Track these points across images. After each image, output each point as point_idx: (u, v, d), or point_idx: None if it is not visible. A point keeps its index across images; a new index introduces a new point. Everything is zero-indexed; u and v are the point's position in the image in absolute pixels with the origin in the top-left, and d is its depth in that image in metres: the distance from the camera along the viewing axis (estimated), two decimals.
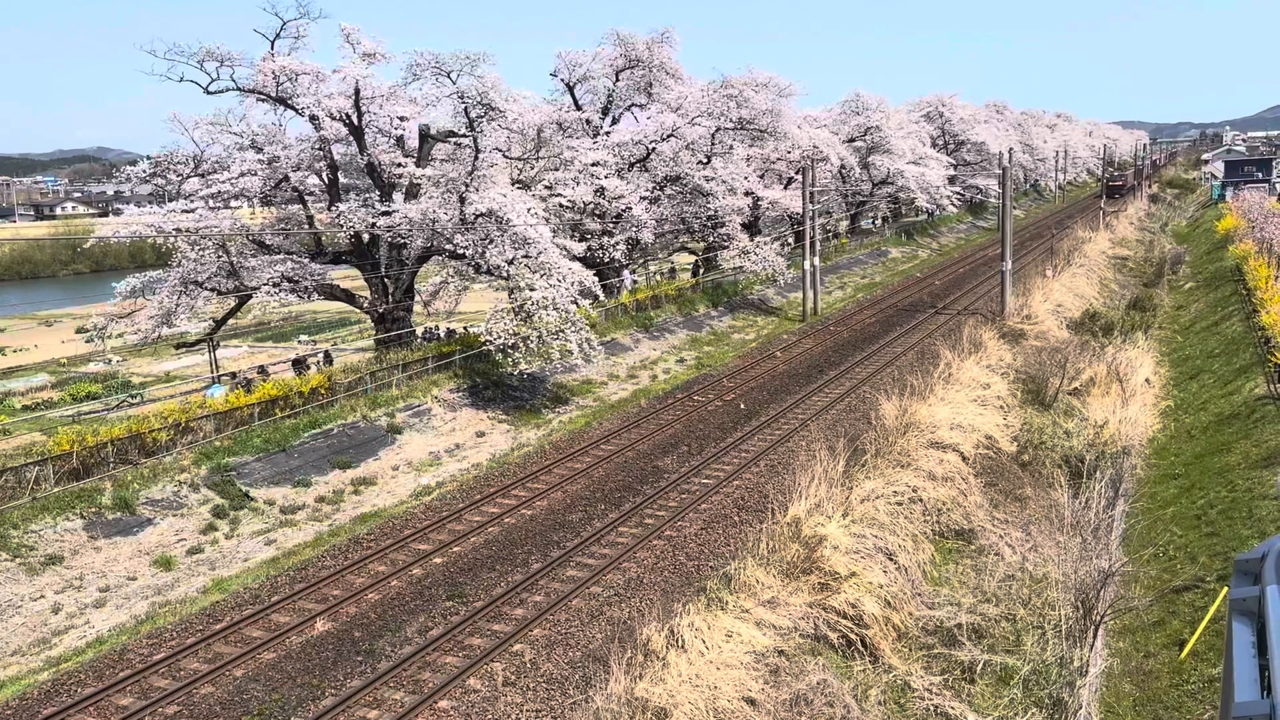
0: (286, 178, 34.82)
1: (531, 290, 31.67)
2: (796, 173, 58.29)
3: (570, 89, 49.22)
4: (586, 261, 38.47)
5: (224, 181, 33.86)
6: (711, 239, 53.46)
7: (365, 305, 36.24)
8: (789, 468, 25.98)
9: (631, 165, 47.19)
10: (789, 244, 60.92)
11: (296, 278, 33.11)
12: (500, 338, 31.52)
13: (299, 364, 35.24)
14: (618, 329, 42.67)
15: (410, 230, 33.18)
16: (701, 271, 54.78)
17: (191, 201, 32.97)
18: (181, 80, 31.67)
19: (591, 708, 13.78)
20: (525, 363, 31.92)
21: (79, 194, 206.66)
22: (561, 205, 40.27)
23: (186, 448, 25.43)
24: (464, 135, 34.24)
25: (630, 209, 44.09)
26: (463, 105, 33.67)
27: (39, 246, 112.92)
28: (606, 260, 44.20)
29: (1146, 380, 33.27)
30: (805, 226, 51.70)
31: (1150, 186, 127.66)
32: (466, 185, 32.67)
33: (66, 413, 35.65)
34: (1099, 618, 16.54)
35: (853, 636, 16.34)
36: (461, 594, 19.94)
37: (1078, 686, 15.07)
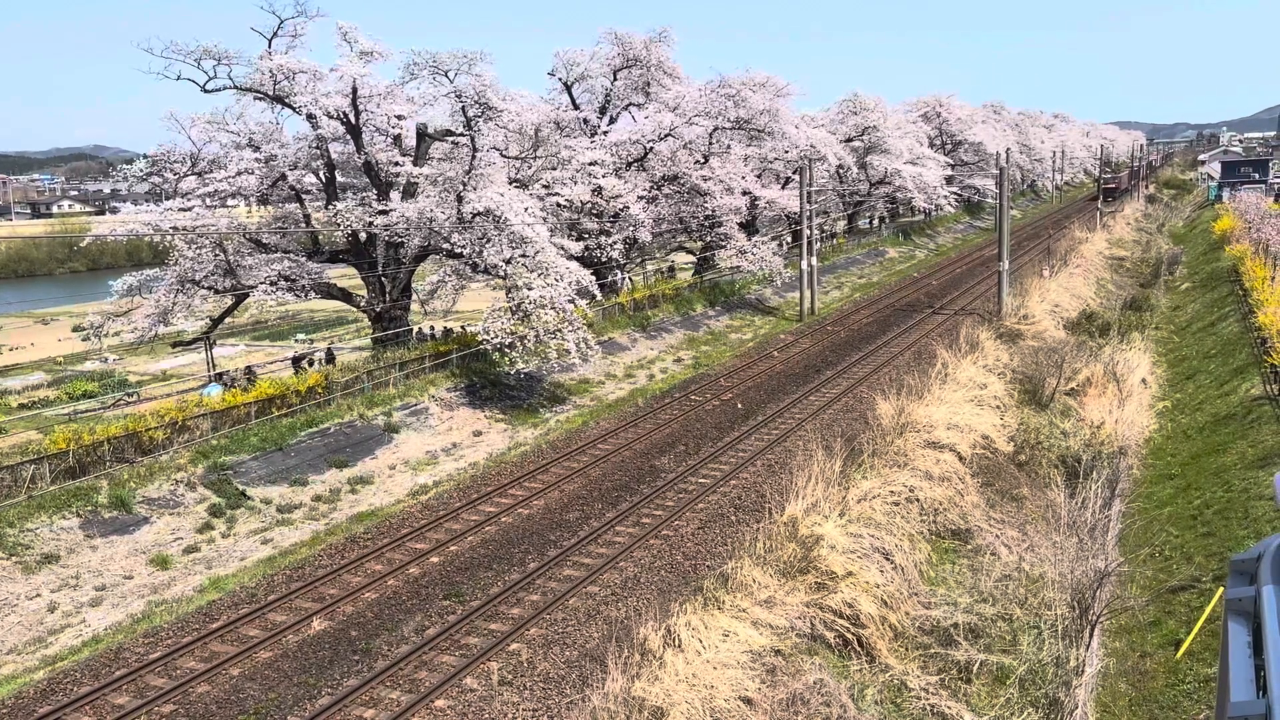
0: (284, 176, 34.78)
1: (529, 289, 31.66)
2: (794, 173, 58.29)
3: (568, 88, 49.22)
4: (584, 261, 38.47)
5: (221, 180, 33.83)
6: (709, 238, 53.46)
7: (362, 304, 36.22)
8: (786, 467, 25.99)
9: (629, 165, 47.18)
10: (786, 244, 60.93)
11: (293, 276, 33.07)
12: (498, 337, 31.51)
13: (299, 362, 35.23)
14: (615, 328, 42.67)
15: (407, 229, 33.16)
16: (707, 272, 54.84)
17: (188, 200, 32.95)
18: (179, 78, 31.66)
19: (588, 707, 13.78)
20: (522, 362, 31.91)
21: (75, 192, 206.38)
22: (559, 204, 40.26)
23: (183, 446, 25.40)
24: (461, 134, 34.22)
25: (628, 208, 44.08)
26: (460, 104, 33.65)
27: (35, 245, 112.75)
28: (604, 260, 44.20)
29: (1143, 381, 33.32)
30: (802, 226, 51.72)
31: (1147, 187, 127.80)
32: (464, 184, 32.65)
33: (63, 411, 35.61)
34: (1095, 617, 16.57)
35: (849, 636, 16.36)
36: (458, 593, 19.94)
37: (1074, 686, 15.10)
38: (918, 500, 21.34)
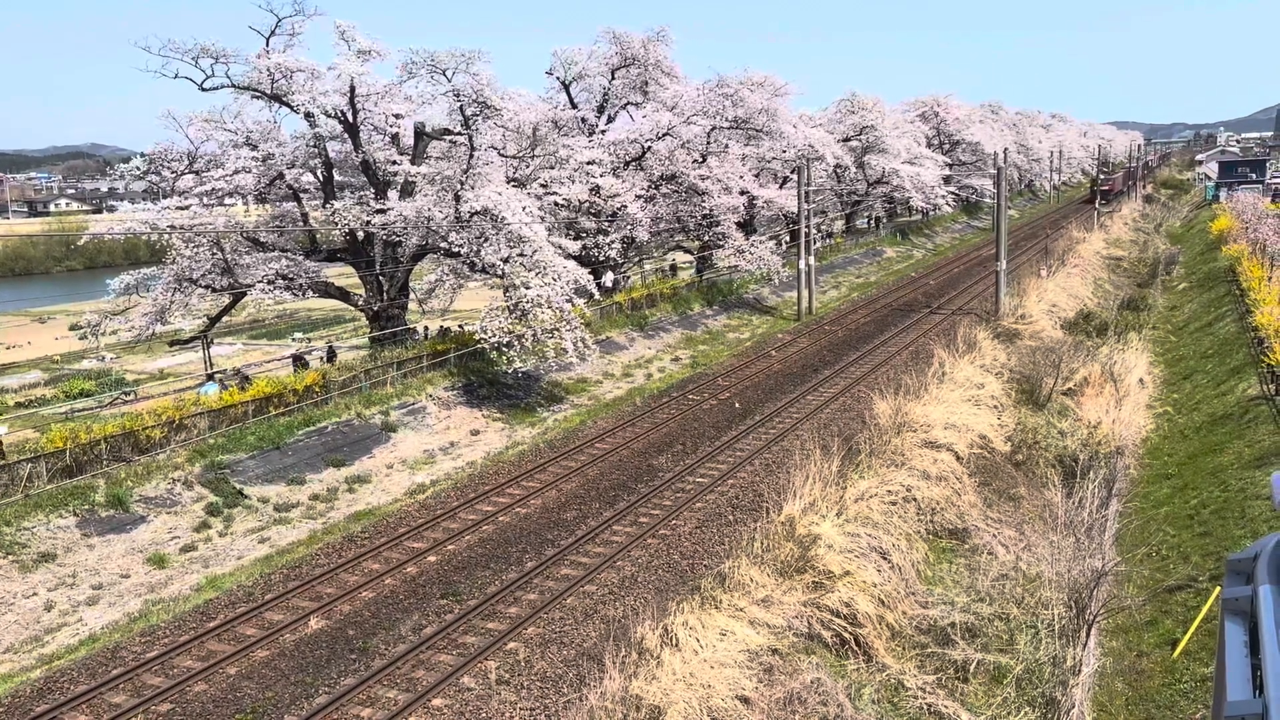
0: (281, 175, 34.74)
1: (527, 288, 31.65)
2: (792, 172, 58.31)
3: (566, 87, 49.20)
4: (582, 260, 38.46)
5: (218, 179, 33.78)
6: (707, 238, 53.46)
7: (360, 303, 36.19)
8: (783, 467, 26.01)
9: (627, 164, 47.17)
10: (784, 243, 60.93)
11: (291, 275, 33.04)
12: (495, 336, 31.50)
13: (299, 360, 35.26)
14: (613, 327, 42.66)
15: (405, 228, 33.14)
16: (705, 271, 54.87)
17: (186, 199, 32.91)
18: (176, 77, 31.61)
19: (586, 706, 13.78)
20: (520, 361, 31.90)
21: (73, 190, 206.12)
22: (557, 204, 40.23)
23: (180, 445, 25.38)
24: (459, 133, 34.20)
25: (625, 207, 44.08)
26: (458, 103, 33.63)
27: (32, 243, 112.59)
28: (602, 259, 44.20)
29: (1140, 380, 33.36)
30: (800, 226, 51.74)
31: (1145, 187, 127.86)
32: (461, 183, 32.62)
33: (60, 410, 35.55)
34: (1092, 617, 16.58)
35: (847, 635, 16.37)
36: (456, 592, 19.93)
37: (1071, 685, 15.11)
38: (915, 500, 21.36)
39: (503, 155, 36.73)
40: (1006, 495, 23.88)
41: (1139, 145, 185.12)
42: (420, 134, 35.16)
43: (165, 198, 33.39)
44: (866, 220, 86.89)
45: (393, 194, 34.58)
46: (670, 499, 24.98)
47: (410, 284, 37.44)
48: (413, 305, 38.25)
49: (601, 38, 49.08)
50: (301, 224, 35.83)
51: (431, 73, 34.03)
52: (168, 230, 31.12)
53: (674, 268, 60.28)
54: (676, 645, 14.67)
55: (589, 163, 41.70)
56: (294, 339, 55.23)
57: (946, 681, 15.61)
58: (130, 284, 33.04)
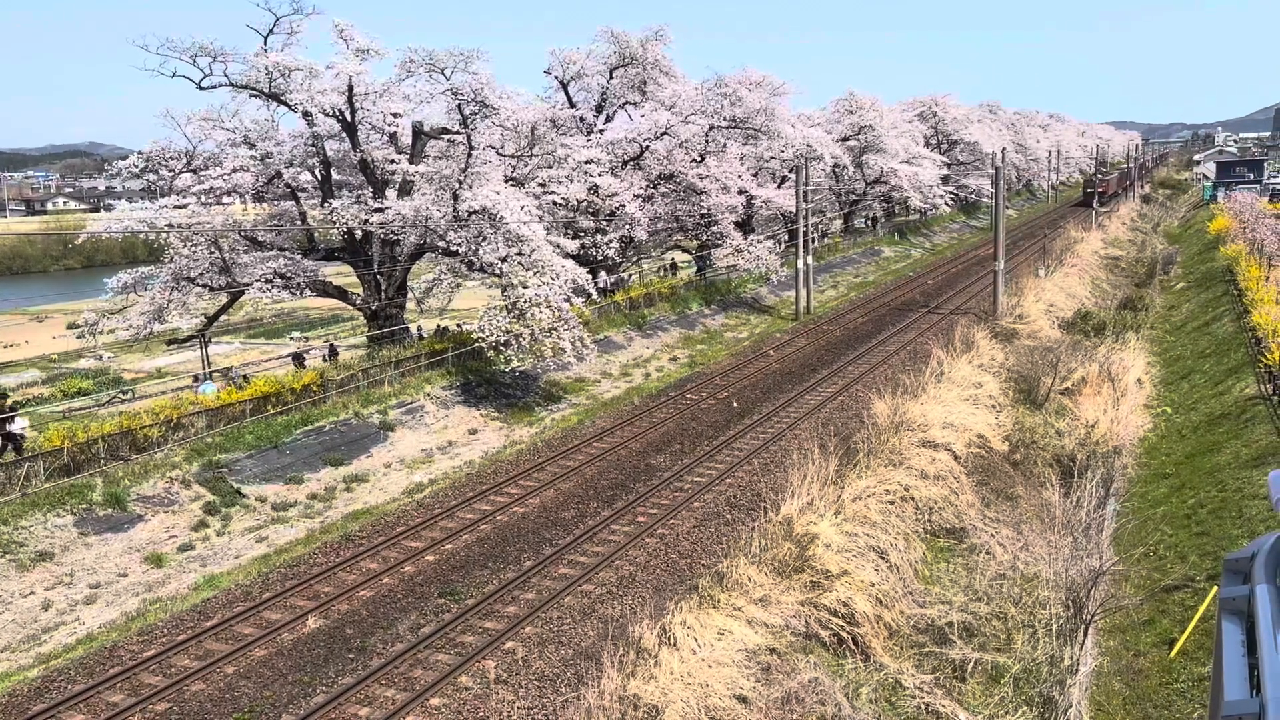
0: (279, 174, 34.72)
1: (525, 288, 31.64)
2: (790, 171, 58.31)
3: (564, 86, 49.19)
4: (580, 259, 38.45)
5: (216, 177, 33.74)
6: (705, 237, 53.47)
7: (358, 302, 36.17)
8: (781, 466, 26.03)
9: (625, 163, 47.17)
10: (782, 243, 60.94)
11: (289, 274, 33.01)
12: (493, 335, 31.50)
13: (298, 359, 35.26)
14: (611, 327, 42.66)
15: (403, 227, 33.12)
16: (706, 270, 54.89)
17: (184, 197, 32.87)
18: (174, 76, 31.57)
19: (583, 705, 13.78)
20: (518, 360, 31.89)
21: (70, 189, 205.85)
22: (555, 203, 40.22)
23: (178, 444, 25.36)
24: (457, 132, 34.18)
25: (624, 207, 44.07)
26: (456, 102, 33.62)
27: (30, 241, 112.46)
28: (600, 258, 44.19)
29: (1138, 380, 33.38)
30: (798, 225, 51.75)
31: (1143, 187, 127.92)
32: (460, 182, 32.61)
33: (57, 409, 35.51)
34: (1089, 616, 16.60)
35: (844, 635, 16.38)
36: (454, 591, 19.93)
37: (1068, 685, 15.13)
38: (913, 499, 21.37)
39: (501, 154, 36.72)
40: (1004, 495, 23.90)
41: (1137, 145, 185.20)
42: (418, 133, 35.14)
43: (163, 196, 33.36)
44: (864, 220, 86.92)
45: (391, 193, 34.56)
46: (668, 498, 24.98)
47: (408, 283, 37.43)
48: (411, 304, 38.22)
49: (600, 37, 49.08)
50: (299, 223, 35.80)
51: (430, 72, 34.03)
52: (165, 229, 31.09)
53: (674, 266, 60.29)
54: (674, 644, 14.67)
55: (587, 162, 41.69)
56: (292, 338, 55.20)
57: (944, 681, 15.62)
58: (128, 283, 33.00)
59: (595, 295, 37.03)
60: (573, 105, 49.10)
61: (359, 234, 34.66)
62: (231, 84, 32.53)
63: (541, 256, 32.27)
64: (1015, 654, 16.00)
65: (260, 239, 34.39)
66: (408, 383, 32.08)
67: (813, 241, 55.32)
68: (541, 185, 38.82)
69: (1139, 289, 53.02)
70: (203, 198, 33.33)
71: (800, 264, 51.56)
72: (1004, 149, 77.52)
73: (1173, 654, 16.52)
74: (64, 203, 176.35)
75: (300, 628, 18.55)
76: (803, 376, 38.22)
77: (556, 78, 48.96)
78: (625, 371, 39.33)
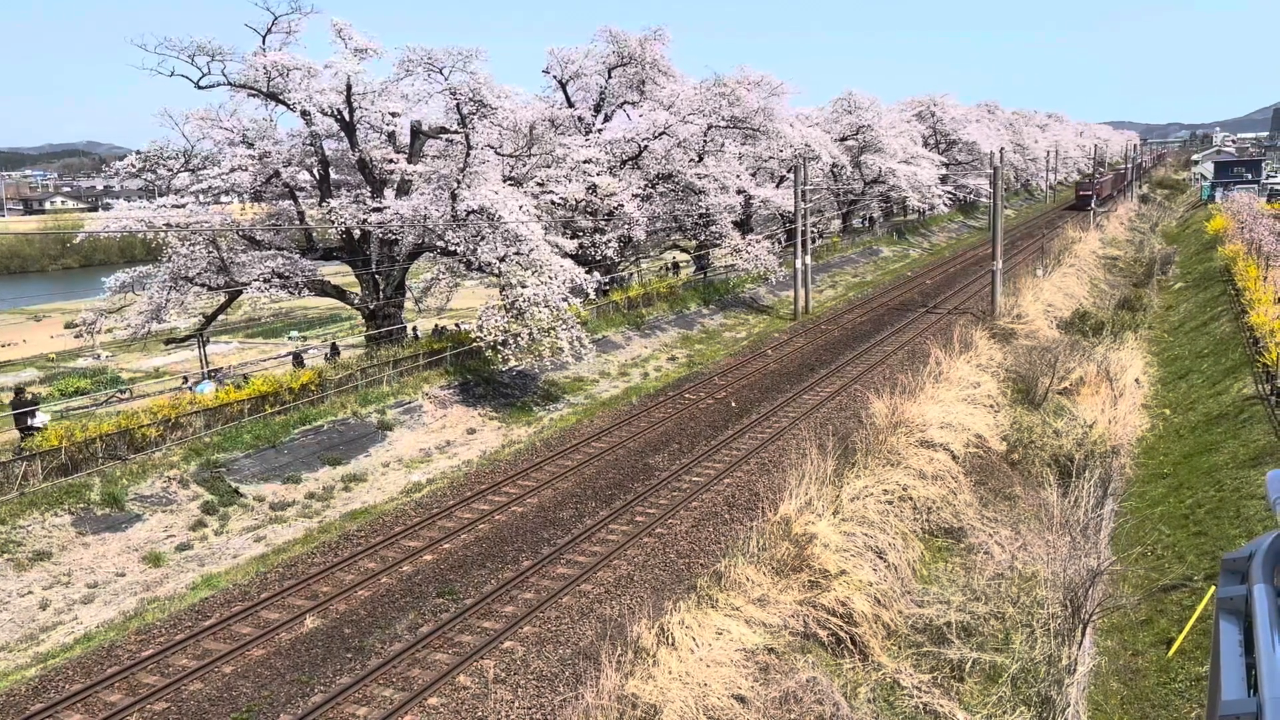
0: (277, 173, 34.69)
1: (523, 287, 31.64)
2: (788, 171, 58.32)
3: (562, 86, 49.18)
4: (579, 259, 38.44)
5: (214, 177, 33.71)
6: (703, 237, 53.48)
7: (356, 302, 36.16)
8: (780, 466, 26.04)
9: (624, 163, 47.17)
10: (781, 242, 60.97)
11: (287, 274, 32.99)
12: (491, 334, 31.49)
13: (298, 359, 35.25)
14: (609, 326, 42.66)
15: (401, 227, 33.10)
16: (707, 269, 54.88)
17: (182, 197, 32.82)
18: (172, 75, 31.54)
19: (582, 705, 13.78)
20: (516, 359, 31.90)
21: (68, 188, 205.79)
22: (553, 202, 40.21)
23: (176, 444, 25.34)
24: (456, 132, 34.16)
25: (622, 206, 44.07)
26: (454, 101, 33.59)
27: (27, 241, 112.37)
28: (598, 258, 44.19)
29: (1136, 380, 33.41)
30: (797, 225, 51.76)
31: (1141, 187, 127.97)
32: (458, 182, 32.60)
33: (55, 408, 35.48)
34: (1087, 616, 16.61)
35: (842, 634, 16.39)
36: (452, 591, 19.92)
37: (1066, 684, 15.14)
38: (911, 499, 21.38)
39: (499, 154, 36.69)
40: (1002, 494, 23.91)
41: (1135, 145, 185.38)
42: (417, 132, 35.12)
43: (161, 196, 33.30)
44: (862, 220, 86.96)
45: (389, 192, 34.54)
46: (666, 498, 24.99)
47: (407, 282, 37.41)
48: (409, 304, 38.20)
49: (598, 37, 49.09)
50: (298, 222, 35.78)
51: (428, 71, 34.01)
52: (163, 228, 31.04)
53: (675, 265, 60.28)
54: (673, 644, 14.67)
55: (586, 161, 41.68)
56: (290, 337, 55.22)
57: (942, 680, 15.64)
58: (126, 282, 32.96)
59: (593, 295, 37.01)
60: (571, 105, 49.10)
61: (357, 233, 34.64)
62: (229, 83, 32.50)
63: (540, 256, 32.26)
64: (1013, 653, 16.01)
65: (258, 238, 34.37)
66: (406, 382, 32.07)
67: (811, 241, 55.33)
68: (540, 185, 38.80)
69: (1137, 289, 53.05)
70: (201, 197, 33.29)
71: (798, 264, 51.57)
72: (1002, 149, 77.58)
73: (1170, 653, 16.53)
74: (62, 202, 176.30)
75: (298, 627, 18.54)
76: (801, 376, 38.23)
77: (555, 77, 48.96)
78: (623, 371, 39.33)
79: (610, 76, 49.49)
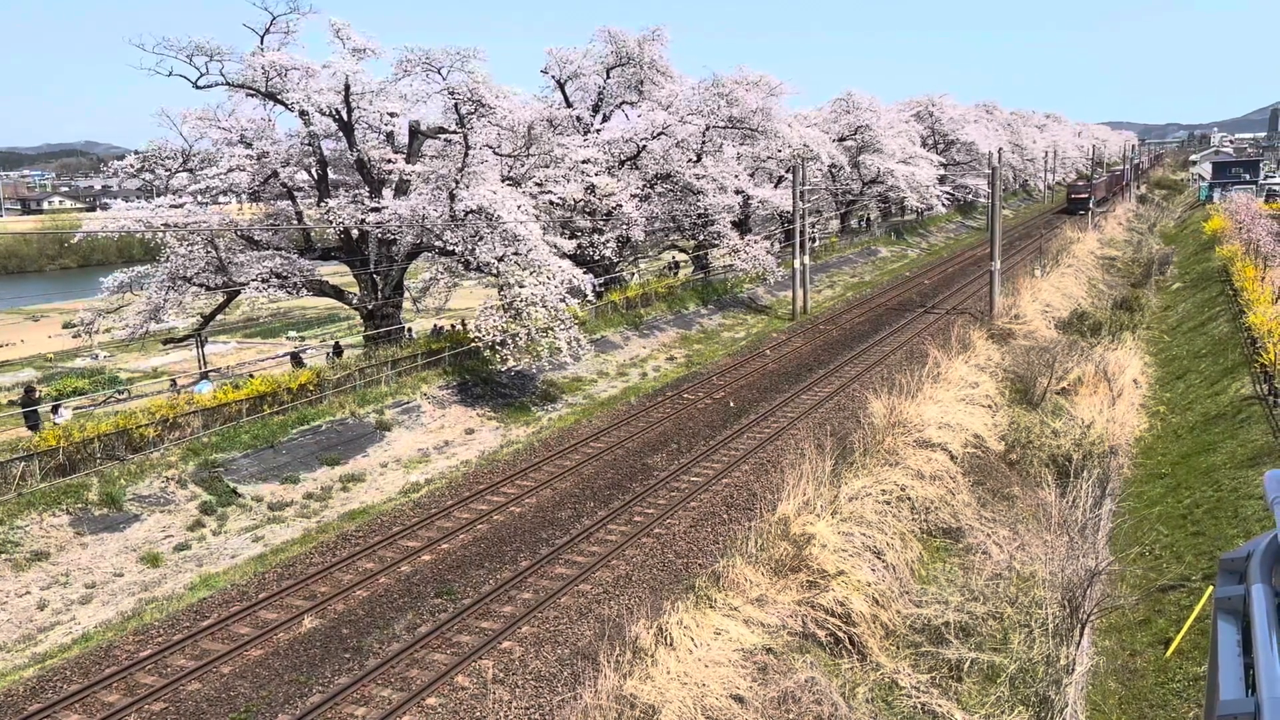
0: (275, 173, 34.67)
1: (521, 287, 31.63)
2: (787, 171, 58.33)
3: (561, 86, 49.18)
4: (577, 259, 38.43)
5: (213, 177, 33.70)
6: (702, 237, 53.47)
7: (354, 301, 36.14)
8: (778, 466, 26.03)
9: (622, 163, 47.16)
10: (779, 243, 60.98)
11: (285, 274, 32.98)
12: (489, 334, 31.48)
13: (296, 359, 35.24)
14: (608, 326, 42.65)
15: (400, 227, 33.09)
16: (707, 269, 54.87)
17: (180, 196, 32.81)
18: (170, 75, 31.53)
19: (580, 705, 13.78)
20: (514, 359, 31.88)
21: (66, 188, 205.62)
22: (552, 203, 40.20)
23: (174, 444, 25.32)
24: (454, 132, 34.15)
25: (621, 207, 44.06)
26: (453, 101, 33.58)
27: (26, 241, 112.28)
28: (597, 258, 44.19)
29: (1134, 380, 33.43)
30: (795, 225, 51.77)
31: (1139, 188, 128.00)
32: (456, 182, 32.59)
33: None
34: (1085, 616, 16.62)
35: (841, 634, 16.39)
36: (450, 591, 19.92)
37: (1064, 684, 15.14)
38: (909, 499, 21.39)
39: (498, 154, 36.69)
40: (1000, 495, 23.92)
41: (1133, 145, 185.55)
42: (415, 132, 35.11)
43: (159, 195, 33.29)
44: (859, 220, 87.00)
45: (387, 192, 34.53)
46: (665, 498, 24.98)
47: (405, 282, 37.40)
48: (408, 304, 38.19)
49: (597, 37, 49.09)
50: (296, 222, 35.77)
51: (427, 71, 33.98)
52: (162, 228, 31.02)
53: (675, 265, 60.26)
54: (671, 644, 14.67)
55: (584, 162, 41.68)
56: (288, 337, 55.20)
57: (940, 680, 15.64)
58: (124, 282, 32.94)
59: (591, 295, 37.01)
60: (569, 105, 49.09)
61: (355, 233, 34.63)
62: (228, 83, 32.49)
63: (538, 256, 32.26)
64: (1011, 654, 16.02)
65: (257, 238, 34.35)
66: (404, 382, 32.06)
67: (810, 241, 55.34)
68: (538, 185, 38.80)
69: (1135, 289, 53.10)
70: (199, 197, 33.28)
71: (797, 264, 51.58)
72: (1000, 149, 77.66)
73: (1168, 653, 16.54)
74: (60, 202, 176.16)
75: (296, 627, 18.53)
76: (799, 376, 38.23)
77: (553, 77, 48.96)
78: (622, 371, 39.32)
79: (608, 77, 49.50)
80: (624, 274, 51.12)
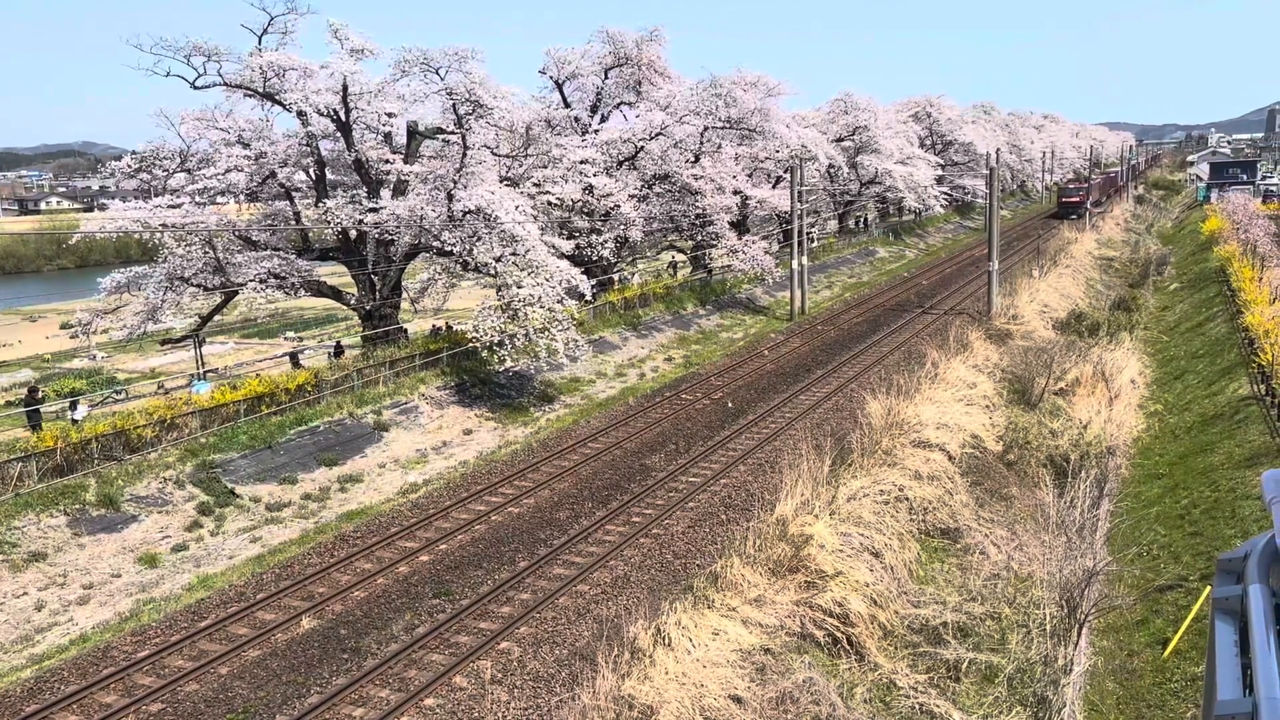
0: (273, 174, 34.66)
1: (519, 288, 31.62)
2: (785, 172, 58.34)
3: (559, 86, 49.18)
4: (575, 260, 38.43)
5: (210, 177, 33.68)
6: (700, 238, 53.48)
7: (352, 302, 36.12)
8: (776, 466, 26.03)
9: (620, 163, 47.15)
10: (777, 243, 60.99)
11: (283, 274, 32.96)
12: (488, 335, 31.47)
13: (295, 359, 35.22)
14: (606, 327, 42.65)
15: (398, 227, 33.08)
16: (710, 270, 54.90)
17: (178, 197, 32.80)
18: (168, 75, 31.51)
19: (578, 705, 13.77)
20: (512, 360, 31.87)
21: (64, 189, 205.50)
22: (550, 203, 40.20)
23: (172, 444, 25.30)
24: (452, 132, 34.14)
25: (619, 207, 44.06)
26: (451, 102, 33.57)
27: (23, 241, 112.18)
28: (595, 258, 44.18)
29: (1132, 381, 33.45)
30: (793, 225, 51.78)
31: (1137, 188, 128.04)
32: (454, 182, 32.58)
33: (50, 409, 35.39)
34: (1083, 616, 16.63)
35: (839, 635, 16.39)
36: (448, 592, 19.91)
37: (1062, 685, 15.15)
38: (907, 499, 21.39)
39: (496, 154, 36.68)
40: (998, 495, 23.93)
41: (1130, 146, 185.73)
42: (413, 133, 35.10)
43: (157, 196, 33.27)
44: (858, 221, 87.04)
45: (385, 193, 34.51)
46: (663, 498, 24.98)
47: (403, 283, 37.39)
48: (406, 305, 38.17)
49: (595, 37, 49.11)
50: (294, 223, 35.76)
51: (424, 71, 33.97)
52: (159, 229, 31.01)
53: (675, 265, 60.25)
54: (669, 645, 14.67)
55: (582, 162, 41.68)
56: (286, 337, 55.17)
57: (938, 681, 15.65)
58: (121, 282, 32.91)
59: (589, 296, 37.02)
60: (568, 105, 49.10)
61: (354, 234, 34.62)
62: (226, 84, 32.47)
63: (536, 257, 32.25)
64: (1009, 654, 16.03)
65: (254, 239, 34.33)
66: (402, 383, 32.04)
67: (808, 242, 55.34)
68: (536, 185, 38.80)
69: (1133, 289, 53.16)
70: (197, 197, 33.27)
71: (795, 264, 51.59)
72: (998, 150, 77.74)
73: (1166, 654, 16.56)
74: (57, 202, 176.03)
75: (294, 628, 18.52)
76: (797, 377, 38.24)
77: (551, 78, 48.96)
78: (620, 372, 39.32)
79: (607, 77, 49.50)
80: (622, 274, 51.12)
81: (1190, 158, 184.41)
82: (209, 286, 32.78)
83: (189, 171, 34.07)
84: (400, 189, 34.67)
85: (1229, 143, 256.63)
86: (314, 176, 35.26)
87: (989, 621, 17.10)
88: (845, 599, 16.69)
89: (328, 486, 26.09)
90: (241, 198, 36.85)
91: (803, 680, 14.19)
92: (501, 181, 36.09)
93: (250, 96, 33.16)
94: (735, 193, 53.12)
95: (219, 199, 36.27)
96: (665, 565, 21.11)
